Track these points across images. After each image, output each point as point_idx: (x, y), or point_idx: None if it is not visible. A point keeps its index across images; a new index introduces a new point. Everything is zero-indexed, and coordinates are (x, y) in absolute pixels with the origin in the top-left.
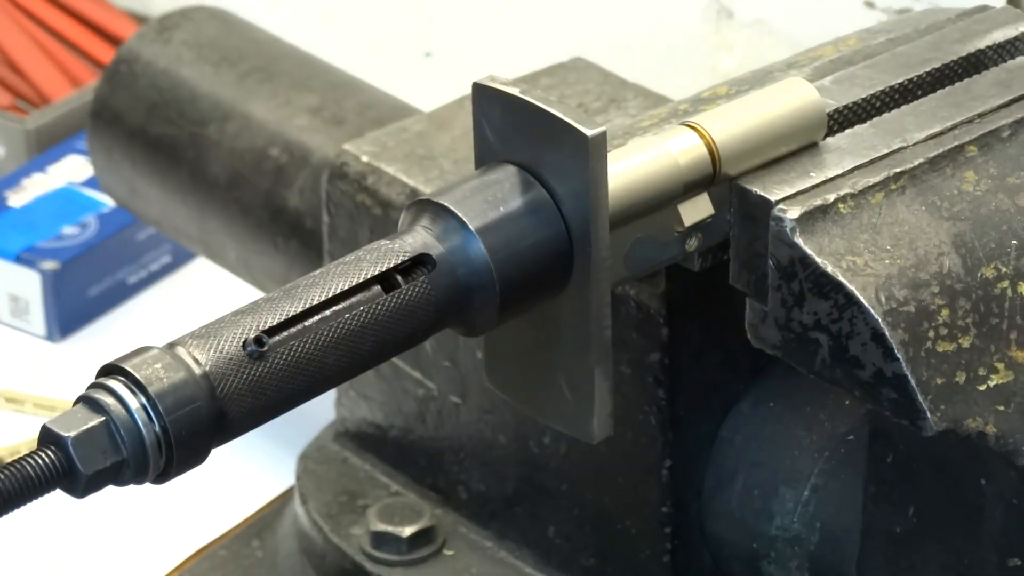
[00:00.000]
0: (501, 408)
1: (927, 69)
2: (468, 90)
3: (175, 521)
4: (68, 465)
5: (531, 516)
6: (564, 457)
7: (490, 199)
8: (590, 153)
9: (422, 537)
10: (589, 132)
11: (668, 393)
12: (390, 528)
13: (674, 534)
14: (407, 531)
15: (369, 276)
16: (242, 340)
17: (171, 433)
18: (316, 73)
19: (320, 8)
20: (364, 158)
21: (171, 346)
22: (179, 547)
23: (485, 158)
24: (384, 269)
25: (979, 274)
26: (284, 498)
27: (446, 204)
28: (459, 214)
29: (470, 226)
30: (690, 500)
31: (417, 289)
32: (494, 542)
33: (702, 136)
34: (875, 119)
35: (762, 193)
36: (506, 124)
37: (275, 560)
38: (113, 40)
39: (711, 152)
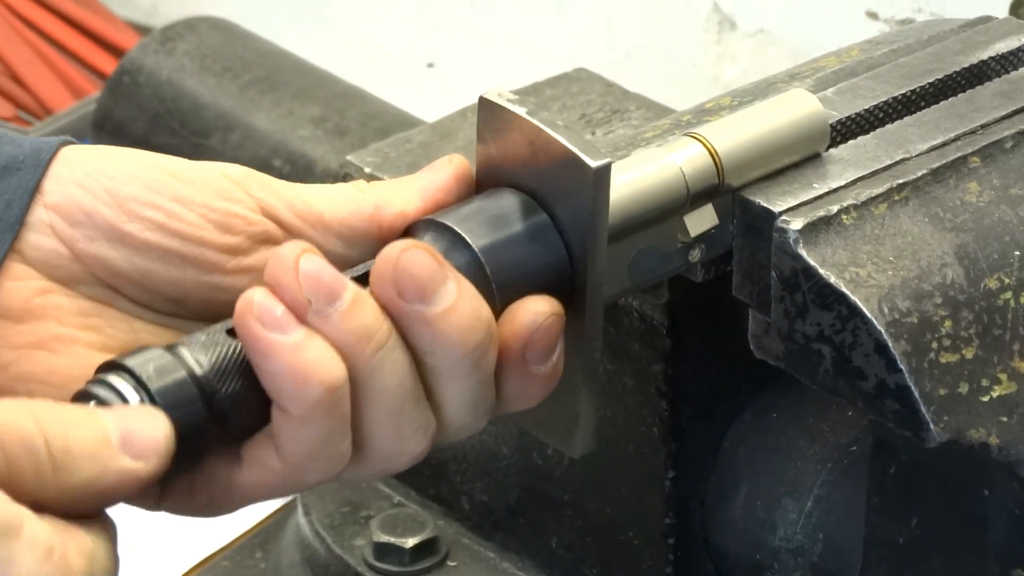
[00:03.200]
0: (503, 419)
1: (930, 80)
2: (470, 101)
3: (178, 532)
4: None
5: (534, 527)
6: (567, 468)
7: (492, 220)
8: (594, 184)
9: (425, 548)
10: (594, 164)
11: (671, 404)
12: (393, 539)
13: (677, 545)
14: (410, 542)
15: None
16: None
17: None
18: (319, 84)
19: (323, 19)
20: (367, 169)
21: (173, 346)
22: (182, 558)
23: (487, 173)
24: None
25: (982, 285)
26: (287, 509)
27: (449, 224)
28: (462, 233)
29: (473, 246)
30: (693, 511)
31: None
32: (497, 553)
33: (706, 147)
34: (878, 130)
35: (765, 204)
36: (510, 141)
37: (278, 571)
38: (115, 51)
39: (715, 163)
